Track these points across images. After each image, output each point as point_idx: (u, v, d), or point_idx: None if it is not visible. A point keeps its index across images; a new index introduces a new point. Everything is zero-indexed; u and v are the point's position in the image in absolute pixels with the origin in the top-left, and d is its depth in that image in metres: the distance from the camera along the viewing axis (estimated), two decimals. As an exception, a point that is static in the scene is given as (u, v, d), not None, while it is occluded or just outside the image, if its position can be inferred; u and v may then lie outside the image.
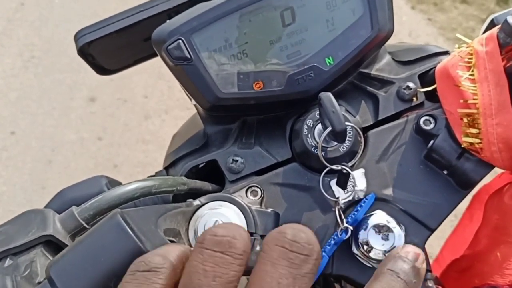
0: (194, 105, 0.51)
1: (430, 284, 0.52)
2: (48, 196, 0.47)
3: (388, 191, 0.45)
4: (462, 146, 0.43)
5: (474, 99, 0.41)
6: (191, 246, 0.42)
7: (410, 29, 2.53)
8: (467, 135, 0.42)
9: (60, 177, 1.88)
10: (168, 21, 0.47)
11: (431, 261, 0.73)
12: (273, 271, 0.22)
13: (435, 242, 0.77)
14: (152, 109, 2.09)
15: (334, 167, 0.44)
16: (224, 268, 0.22)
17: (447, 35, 2.52)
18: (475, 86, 0.42)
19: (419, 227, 0.44)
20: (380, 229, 0.42)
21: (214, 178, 0.49)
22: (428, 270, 0.54)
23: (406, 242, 0.43)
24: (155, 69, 2.09)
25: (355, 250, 0.43)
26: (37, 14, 2.54)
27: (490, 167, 0.44)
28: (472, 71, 0.42)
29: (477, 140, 0.41)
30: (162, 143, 1.96)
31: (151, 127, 2.04)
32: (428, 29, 2.57)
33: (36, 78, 2.27)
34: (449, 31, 2.55)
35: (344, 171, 0.43)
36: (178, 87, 0.49)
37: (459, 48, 0.45)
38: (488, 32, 0.43)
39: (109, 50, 0.56)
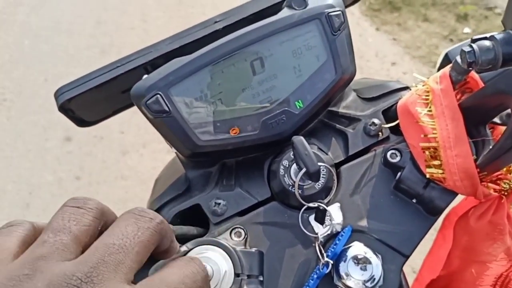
0: (175, 152, 0.54)
1: (410, 306, 0.55)
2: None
3: (363, 223, 0.48)
4: (427, 176, 0.46)
5: (433, 133, 0.45)
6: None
7: (376, 49, 2.62)
8: (430, 166, 0.46)
9: (39, 220, 1.86)
10: (145, 76, 0.50)
11: (411, 280, 0.76)
12: (122, 223, 0.29)
13: (418, 256, 0.80)
14: (130, 144, 2.10)
15: (311, 205, 0.47)
16: (78, 216, 0.29)
17: (413, 53, 2.61)
18: (433, 121, 0.45)
19: (395, 255, 0.47)
20: (359, 260, 0.45)
21: (198, 220, 0.52)
22: (407, 293, 0.57)
23: (384, 269, 0.45)
24: (130, 105, 2.10)
25: (337, 282, 0.46)
26: (7, 57, 2.54)
27: (454, 194, 0.47)
28: (430, 107, 0.46)
29: (440, 171, 0.45)
30: (142, 178, 1.96)
31: (130, 162, 2.05)
32: (394, 48, 2.66)
33: (9, 121, 2.26)
34: (414, 49, 2.65)
35: (321, 207, 0.46)
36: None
37: (416, 86, 0.49)
38: (441, 71, 0.47)
39: (89, 104, 0.58)
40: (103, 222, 0.31)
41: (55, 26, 2.70)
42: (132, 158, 2.05)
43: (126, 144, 2.10)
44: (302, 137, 0.44)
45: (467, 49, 0.42)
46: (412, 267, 1.64)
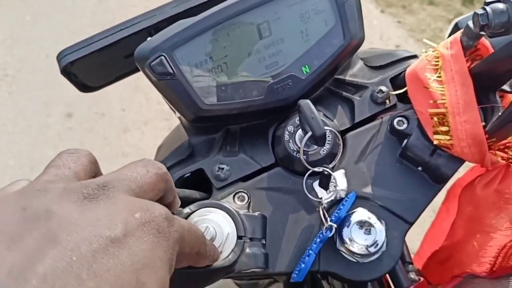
0: (178, 117, 0.53)
1: (412, 276, 0.55)
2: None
3: (368, 189, 0.48)
4: (434, 143, 0.46)
5: (442, 99, 0.44)
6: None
7: (381, 32, 2.59)
8: (438, 133, 0.45)
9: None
10: (149, 38, 0.49)
11: (412, 255, 0.77)
12: (132, 165, 0.31)
13: (416, 237, 0.80)
14: (131, 121, 2.09)
15: (316, 169, 0.46)
16: (75, 158, 0.31)
17: (417, 36, 2.59)
18: (442, 87, 0.45)
19: (398, 221, 0.47)
20: (363, 225, 0.44)
21: (201, 186, 0.51)
22: (409, 263, 0.57)
23: (387, 235, 0.45)
24: (131, 82, 2.08)
25: (339, 247, 0.46)
26: (9, 33, 2.52)
27: (461, 161, 0.47)
28: (439, 73, 0.45)
29: (448, 137, 0.44)
30: (143, 155, 1.96)
31: (131, 140, 2.04)
32: (398, 31, 2.63)
33: (11, 96, 2.25)
34: (419, 32, 2.63)
35: (326, 172, 0.46)
36: (156, 98, 0.51)
37: (426, 52, 0.48)
38: (452, 36, 0.46)
39: (91, 68, 0.57)
40: (97, 169, 0.32)
41: (57, 2, 2.67)
42: (133, 136, 2.05)
43: (127, 121, 2.09)
44: (308, 101, 0.43)
45: (480, 11, 0.41)
46: (410, 247, 1.64)
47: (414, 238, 0.79)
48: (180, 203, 0.38)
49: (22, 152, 2.03)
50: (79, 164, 0.30)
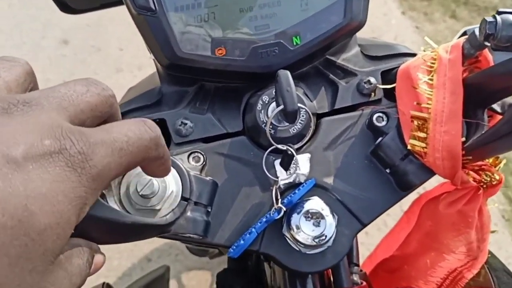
0: (153, 60, 0.50)
1: (355, 278, 0.53)
2: None
3: (329, 180, 0.45)
4: (408, 147, 0.43)
5: (428, 103, 0.41)
6: (121, 200, 0.41)
7: (396, 33, 2.54)
8: (414, 138, 0.42)
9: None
10: (139, -33, 0.45)
11: (364, 258, 0.75)
12: (71, 82, 0.27)
13: (378, 241, 0.78)
14: (125, 63, 2.03)
15: (280, 146, 0.43)
16: (8, 66, 0.27)
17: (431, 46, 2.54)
18: (431, 91, 0.42)
19: (352, 220, 0.45)
20: (313, 215, 0.42)
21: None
22: (356, 264, 0.55)
23: (337, 231, 0.43)
24: (133, 23, 2.03)
25: (285, 232, 0.43)
26: None
27: (430, 173, 0.44)
28: (432, 75, 0.42)
29: (423, 145, 0.42)
30: (129, 100, 1.92)
31: (122, 81, 1.99)
32: (414, 36, 2.59)
33: (10, 9, 2.17)
34: (434, 42, 2.57)
35: (289, 152, 0.43)
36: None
37: (424, 51, 0.45)
38: (454, 41, 0.43)
39: (76, -13, 0.53)
40: (33, 83, 0.29)
41: None
42: (125, 77, 2.00)
43: (122, 62, 2.04)
44: (288, 72, 0.40)
45: (489, 19, 0.37)
46: (370, 251, 1.64)
47: (377, 243, 0.77)
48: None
49: (9, 68, 1.98)
50: (12, 73, 0.27)
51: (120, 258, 1.52)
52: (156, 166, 0.31)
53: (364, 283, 0.56)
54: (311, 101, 0.49)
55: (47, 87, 0.27)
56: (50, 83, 1.93)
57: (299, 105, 0.41)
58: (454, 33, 2.68)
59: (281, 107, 0.40)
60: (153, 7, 0.43)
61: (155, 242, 1.56)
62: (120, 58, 2.05)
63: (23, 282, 0.22)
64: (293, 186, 0.45)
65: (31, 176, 0.22)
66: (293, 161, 0.44)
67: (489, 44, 0.39)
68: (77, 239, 0.29)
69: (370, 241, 1.49)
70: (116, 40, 2.06)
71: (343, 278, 0.52)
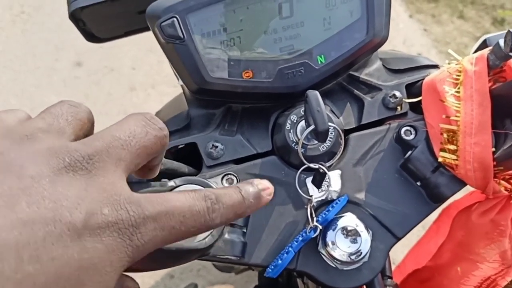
0: (181, 85, 0.51)
1: (389, 290, 0.53)
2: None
3: (361, 195, 0.46)
4: (438, 160, 0.43)
5: (456, 116, 0.42)
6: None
7: (405, 37, 2.54)
8: (444, 150, 0.43)
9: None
10: (165, -3, 0.46)
11: (394, 267, 0.75)
12: (132, 122, 0.28)
13: (400, 249, 0.78)
14: (139, 81, 2.06)
15: (311, 165, 0.44)
16: (75, 111, 0.28)
17: (440, 48, 2.54)
18: (459, 104, 0.42)
19: (386, 234, 0.45)
20: (348, 232, 0.42)
21: (192, 161, 0.49)
22: (389, 277, 0.55)
23: (372, 246, 0.43)
24: (146, 42, 2.04)
25: (321, 249, 0.44)
26: (32, -31, 2.47)
27: (462, 184, 0.44)
28: (459, 88, 0.43)
29: (454, 157, 0.42)
30: (144, 118, 1.93)
31: (135, 100, 2.02)
32: (422, 39, 2.58)
33: (23, 34, 2.22)
34: (443, 44, 2.58)
35: (321, 170, 0.44)
36: (168, 63, 0.49)
37: (449, 64, 0.45)
38: (479, 52, 0.44)
39: (102, 17, 0.55)
40: (92, 130, 0.30)
41: None
42: (138, 96, 2.02)
43: (135, 81, 2.06)
44: (317, 92, 0.41)
45: (514, 31, 0.38)
46: (392, 258, 1.64)
47: (398, 251, 0.78)
48: (157, 173, 0.35)
49: (25, 92, 2.01)
50: (78, 119, 0.28)
51: (143, 276, 1.53)
52: None
53: (398, 294, 0.56)
54: (338, 117, 0.49)
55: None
56: (66, 105, 1.95)
57: (329, 124, 0.42)
58: (463, 34, 2.67)
59: (312, 127, 0.41)
60: (181, 35, 0.44)
61: (177, 258, 1.57)
62: (133, 77, 2.07)
63: None
64: (326, 203, 0.46)
65: (87, 245, 0.22)
66: (325, 179, 0.44)
67: (514, 56, 0.40)
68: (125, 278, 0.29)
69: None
70: (128, 60, 2.09)
71: (377, 291, 0.53)
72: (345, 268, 0.44)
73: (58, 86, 2.03)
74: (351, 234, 0.42)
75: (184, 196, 0.27)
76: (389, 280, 0.56)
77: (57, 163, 0.24)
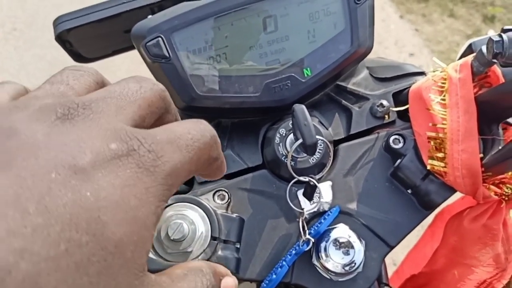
0: (170, 102, 0.51)
1: (386, 298, 0.53)
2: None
3: (353, 205, 0.46)
4: (427, 168, 0.44)
5: (443, 123, 0.42)
6: (153, 245, 0.42)
7: (396, 38, 2.55)
8: (433, 158, 0.43)
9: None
10: (149, 16, 0.47)
11: (394, 268, 0.75)
12: (123, 81, 0.26)
13: (400, 250, 0.79)
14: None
15: (301, 178, 0.44)
16: (78, 75, 0.26)
17: (432, 47, 2.55)
18: (445, 111, 0.42)
19: (379, 243, 0.45)
20: (341, 243, 0.43)
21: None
22: (386, 284, 0.55)
23: (365, 256, 0.43)
24: (138, 54, 2.06)
25: (315, 261, 0.44)
26: (22, -14, 2.48)
27: (452, 190, 0.45)
28: (444, 95, 0.43)
29: (442, 164, 0.42)
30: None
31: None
32: (414, 39, 2.60)
33: (16, 51, 2.22)
34: (435, 43, 2.59)
35: (312, 183, 0.44)
36: None
37: (434, 71, 0.46)
38: (462, 60, 0.44)
39: (88, 38, 0.55)
40: None
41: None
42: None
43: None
44: (304, 106, 0.41)
45: (495, 38, 0.38)
46: (393, 259, 1.63)
47: (399, 251, 0.78)
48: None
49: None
50: (82, 82, 0.26)
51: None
52: (216, 167, 0.29)
53: (395, 301, 0.56)
54: (327, 128, 0.50)
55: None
56: (61, 121, 1.95)
57: (317, 137, 0.42)
58: (454, 32, 2.68)
59: (300, 141, 0.41)
60: (166, 54, 0.45)
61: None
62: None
63: None
64: (318, 214, 0.46)
65: (101, 184, 0.21)
66: (315, 191, 0.44)
67: (497, 62, 0.40)
68: (199, 262, 0.28)
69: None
70: (123, 73, 2.09)
71: (374, 299, 0.53)
72: (340, 279, 0.44)
73: (53, 102, 2.03)
74: (344, 246, 0.42)
75: (181, 122, 0.27)
76: (386, 287, 0.56)
77: (49, 115, 0.22)
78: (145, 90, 0.26)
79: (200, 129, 0.26)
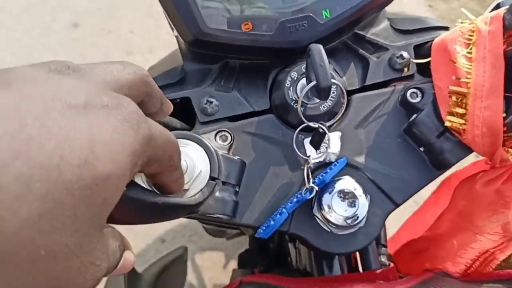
0: (176, 36, 0.48)
1: (383, 259, 0.52)
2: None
3: (361, 159, 0.44)
4: (445, 124, 0.41)
5: (467, 77, 0.40)
6: (148, 180, 0.39)
7: (409, 12, 2.48)
8: (452, 114, 0.41)
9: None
10: None
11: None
12: (109, 62, 0.28)
13: (392, 224, 0.77)
14: (136, 45, 2.01)
15: (311, 124, 0.42)
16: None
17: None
18: (470, 65, 0.40)
19: (384, 200, 0.43)
20: (346, 195, 0.41)
21: (185, 118, 0.47)
22: (384, 245, 0.54)
23: (369, 212, 0.41)
24: (145, 5, 2.00)
25: (316, 212, 0.42)
26: None
27: (468, 151, 0.42)
28: (471, 48, 0.40)
29: (462, 121, 0.40)
30: (141, 83, 1.90)
31: (132, 64, 1.97)
32: (427, 15, 2.52)
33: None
34: (448, 21, 2.52)
35: (321, 130, 0.41)
36: (167, 27, 0.45)
37: (462, 23, 0.43)
38: (494, 12, 0.41)
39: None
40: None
41: None
42: (135, 60, 1.98)
43: (133, 45, 2.01)
44: (321, 46, 0.38)
45: (535, -14, 0.35)
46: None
47: (391, 225, 0.76)
48: (168, 112, 0.35)
49: (21, 51, 1.97)
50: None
51: (135, 238, 1.52)
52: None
53: (392, 264, 0.55)
54: (341, 77, 0.47)
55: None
56: (61, 67, 1.91)
57: (332, 80, 0.39)
58: (468, 11, 2.63)
59: (313, 83, 0.38)
60: None
61: (169, 223, 1.56)
62: (131, 41, 2.02)
63: (81, 228, 0.21)
64: (323, 165, 0.44)
65: (94, 123, 0.22)
66: (324, 140, 0.42)
67: (533, 14, 0.37)
68: (110, 226, 0.28)
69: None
70: (126, 23, 2.04)
71: (371, 259, 0.51)
72: (340, 233, 0.42)
73: (55, 47, 1.98)
74: (349, 198, 0.40)
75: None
76: (383, 248, 0.54)
77: (44, 68, 0.24)
78: (129, 72, 0.28)
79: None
